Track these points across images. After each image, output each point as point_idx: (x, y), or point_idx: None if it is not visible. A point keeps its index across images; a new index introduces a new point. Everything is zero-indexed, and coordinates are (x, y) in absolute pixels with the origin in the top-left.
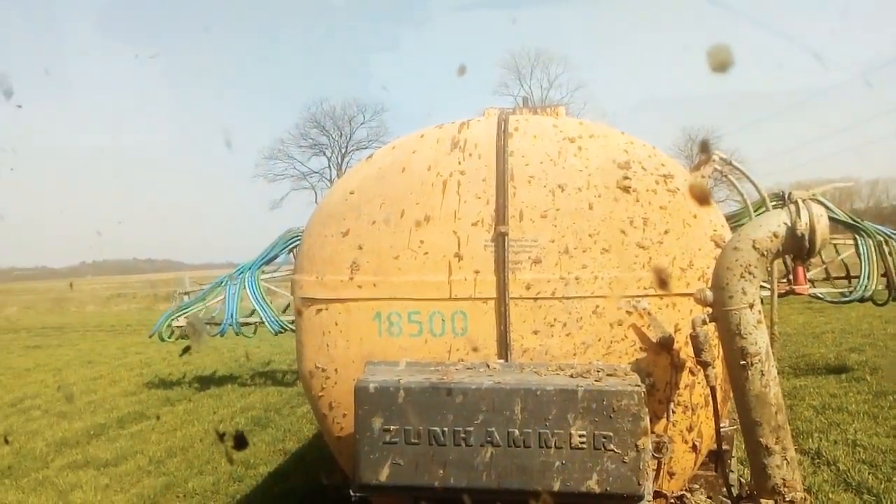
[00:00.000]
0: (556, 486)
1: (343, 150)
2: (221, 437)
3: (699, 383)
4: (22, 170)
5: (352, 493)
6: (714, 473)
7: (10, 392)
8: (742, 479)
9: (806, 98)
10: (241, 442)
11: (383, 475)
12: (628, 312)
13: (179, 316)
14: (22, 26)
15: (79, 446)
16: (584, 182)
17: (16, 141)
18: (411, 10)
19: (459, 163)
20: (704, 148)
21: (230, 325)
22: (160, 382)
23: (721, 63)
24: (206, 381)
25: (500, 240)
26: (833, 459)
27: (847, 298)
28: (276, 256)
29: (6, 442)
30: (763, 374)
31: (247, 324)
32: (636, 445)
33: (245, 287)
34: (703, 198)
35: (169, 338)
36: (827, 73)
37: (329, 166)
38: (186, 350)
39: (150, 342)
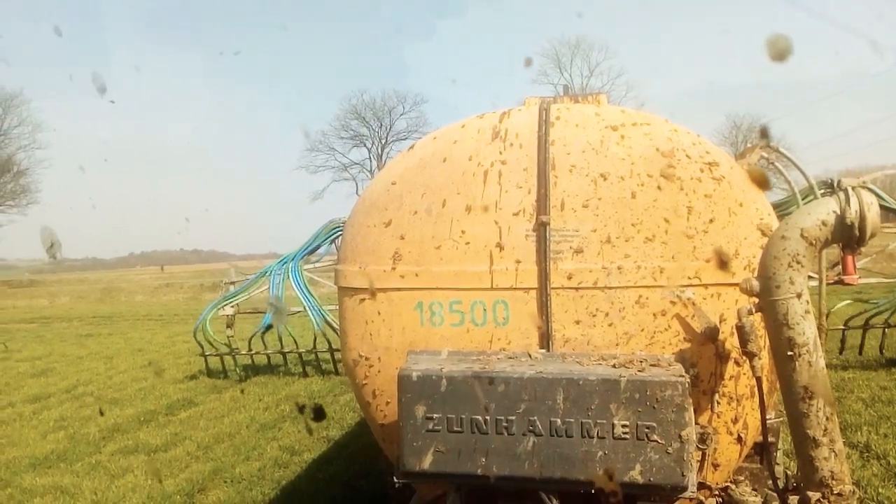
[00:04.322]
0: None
1: (383, 141)
2: (301, 409)
3: (744, 374)
4: (64, 162)
5: (395, 480)
6: (760, 465)
7: (64, 379)
8: (788, 472)
9: (855, 83)
10: (319, 413)
11: (426, 462)
12: (672, 302)
13: (225, 305)
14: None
15: (130, 432)
16: (626, 171)
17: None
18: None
19: (500, 152)
20: (764, 134)
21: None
22: (207, 370)
23: (780, 52)
24: (251, 370)
25: (541, 229)
26: (883, 453)
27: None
28: (318, 247)
29: (100, 413)
30: (811, 365)
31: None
32: (680, 436)
33: (289, 277)
34: (763, 182)
35: (206, 344)
36: (876, 57)
37: (370, 157)
38: (269, 328)
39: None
